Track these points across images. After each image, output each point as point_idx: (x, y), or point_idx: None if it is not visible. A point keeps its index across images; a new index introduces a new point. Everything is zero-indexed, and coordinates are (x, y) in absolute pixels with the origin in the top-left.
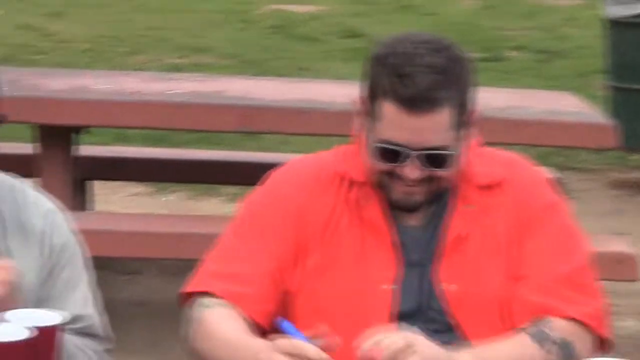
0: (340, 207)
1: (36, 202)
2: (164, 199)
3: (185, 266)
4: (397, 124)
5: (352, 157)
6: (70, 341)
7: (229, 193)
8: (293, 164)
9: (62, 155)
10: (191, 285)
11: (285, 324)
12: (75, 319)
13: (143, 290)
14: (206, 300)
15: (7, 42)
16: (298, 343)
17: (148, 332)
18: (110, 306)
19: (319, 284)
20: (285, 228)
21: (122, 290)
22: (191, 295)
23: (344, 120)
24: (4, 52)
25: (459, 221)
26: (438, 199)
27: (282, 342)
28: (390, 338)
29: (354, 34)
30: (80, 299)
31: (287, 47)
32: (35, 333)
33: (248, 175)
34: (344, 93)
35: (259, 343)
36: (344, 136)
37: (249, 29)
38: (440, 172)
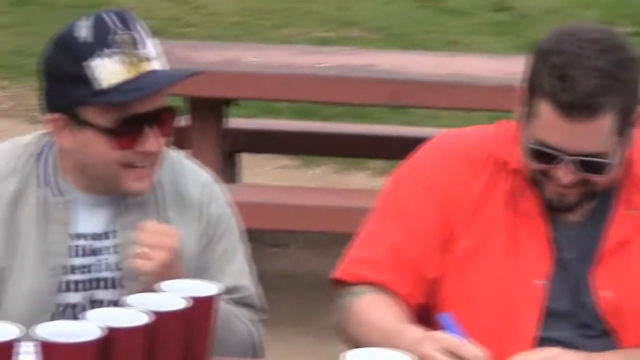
0: (493, 194)
1: (193, 173)
2: (312, 172)
3: (332, 239)
4: (553, 127)
5: (511, 143)
6: (228, 310)
7: (376, 167)
8: (443, 139)
9: (213, 128)
10: (339, 271)
11: (447, 320)
12: (232, 290)
13: (291, 262)
14: (355, 287)
15: (156, 15)
16: (458, 343)
17: (296, 304)
18: (259, 278)
19: (467, 272)
20: (431, 212)
21: (270, 262)
22: (340, 282)
23: (493, 95)
24: (153, 24)
25: (621, 225)
26: (600, 196)
27: (442, 338)
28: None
29: (503, 7)
30: (237, 270)
31: (435, 21)
32: (192, 303)
33: (395, 149)
34: (493, 67)
35: (415, 332)
36: (492, 111)
37: (396, 2)
38: (596, 178)
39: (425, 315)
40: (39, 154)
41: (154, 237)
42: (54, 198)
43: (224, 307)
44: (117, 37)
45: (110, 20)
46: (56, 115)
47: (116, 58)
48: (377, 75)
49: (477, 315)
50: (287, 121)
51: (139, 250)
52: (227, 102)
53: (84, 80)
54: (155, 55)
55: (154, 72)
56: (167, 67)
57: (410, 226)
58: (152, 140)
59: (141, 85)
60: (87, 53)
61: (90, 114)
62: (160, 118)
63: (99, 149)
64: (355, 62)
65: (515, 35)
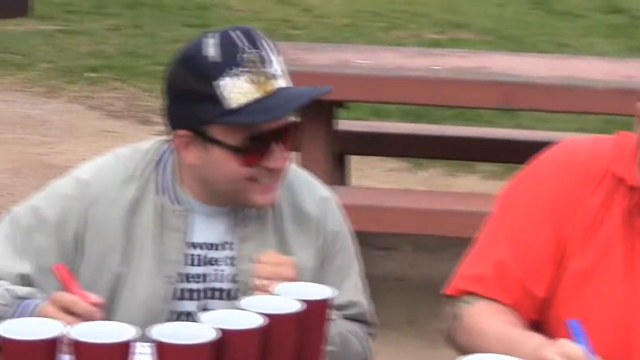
0: (609, 212)
1: (310, 187)
2: (422, 174)
3: (441, 242)
4: None
5: (630, 158)
6: (343, 326)
7: (485, 170)
8: (558, 151)
9: (323, 130)
10: (449, 288)
11: (576, 327)
12: (347, 306)
13: (399, 265)
14: (464, 297)
15: (266, 17)
16: (582, 354)
17: (405, 307)
18: (367, 281)
19: (582, 293)
20: (542, 229)
21: (378, 265)
22: (451, 296)
23: (607, 98)
24: (263, 26)
25: None
26: None
27: (567, 345)
28: None
29: (616, 9)
30: (352, 286)
31: (546, 23)
32: (306, 306)
33: (505, 152)
34: (607, 70)
35: (536, 338)
36: (605, 114)
37: (507, 4)
38: None
39: (537, 332)
40: (158, 161)
41: (271, 268)
42: (172, 206)
43: (343, 326)
44: (245, 56)
45: (238, 38)
46: (181, 132)
47: (245, 77)
48: (489, 78)
49: (593, 336)
50: (396, 123)
51: (257, 282)
52: (339, 103)
53: (214, 99)
54: (281, 73)
55: (281, 90)
56: (290, 83)
57: (519, 243)
58: (278, 156)
59: (270, 105)
60: (216, 72)
61: (218, 132)
62: (285, 134)
63: (226, 166)
64: (467, 64)
65: (628, 38)
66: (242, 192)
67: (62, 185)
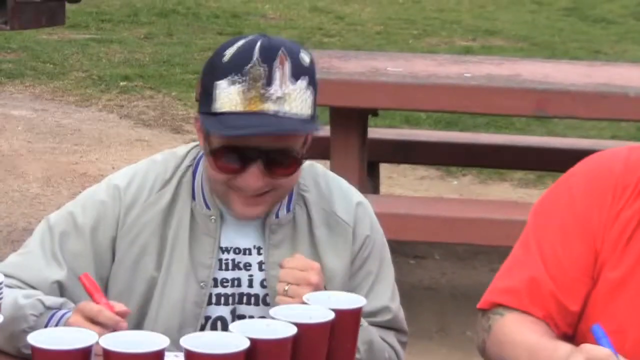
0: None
1: (343, 193)
2: (453, 182)
3: (473, 251)
4: None
5: None
6: (374, 333)
7: (518, 178)
8: (590, 163)
9: (356, 138)
10: (481, 302)
11: (599, 331)
12: (379, 312)
13: (431, 274)
14: (497, 309)
15: (300, 25)
16: (609, 355)
17: (436, 316)
18: (400, 290)
19: (616, 304)
20: (575, 243)
21: (409, 273)
22: (485, 310)
23: None
24: (297, 34)
25: None
26: None
27: (593, 349)
28: None
29: None
30: (385, 292)
31: (580, 29)
32: (336, 316)
33: (538, 160)
34: None
35: (566, 346)
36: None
37: (540, 10)
38: None
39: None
40: (192, 166)
41: (297, 273)
42: (205, 211)
43: (373, 334)
44: (251, 69)
45: (258, 50)
46: (197, 115)
47: (239, 87)
48: (522, 85)
49: (625, 347)
50: (428, 131)
51: (283, 287)
52: (372, 112)
53: (210, 96)
54: (278, 97)
55: (264, 113)
56: (293, 110)
57: (553, 259)
58: (251, 177)
59: (237, 122)
60: (220, 74)
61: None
62: (271, 158)
63: (208, 165)
64: (500, 71)
65: None
66: (226, 198)
67: (96, 191)
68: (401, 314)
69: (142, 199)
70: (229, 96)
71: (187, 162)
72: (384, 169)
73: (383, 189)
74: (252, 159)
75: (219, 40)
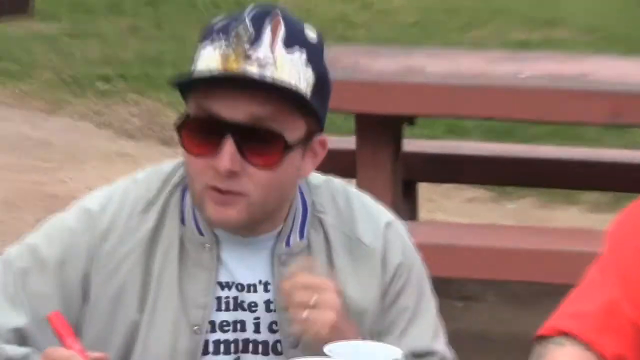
0: None
1: (369, 212)
2: (510, 205)
3: (534, 291)
4: None
5: None
6: None
7: (590, 200)
8: None
9: (387, 151)
10: (544, 328)
11: None
12: (421, 355)
13: (484, 319)
14: (559, 338)
15: (319, 15)
16: None
17: None
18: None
19: None
20: None
21: (458, 318)
22: (543, 337)
23: None
24: (316, 25)
25: None
26: None
27: None
28: None
29: None
30: (427, 331)
31: None
32: None
33: (614, 178)
34: None
35: None
36: None
37: None
38: None
39: None
40: (181, 185)
41: (310, 293)
42: (199, 238)
43: None
44: (236, 29)
45: (249, 10)
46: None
47: (218, 46)
48: (592, 87)
49: None
50: (477, 143)
51: (300, 313)
52: (407, 120)
53: (193, 61)
54: (265, 62)
55: (245, 76)
56: (287, 78)
57: (633, 282)
58: (226, 156)
59: (212, 77)
60: (206, 35)
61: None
62: (246, 136)
63: (184, 148)
64: (564, 70)
65: None
66: (201, 199)
67: (65, 218)
68: (450, 357)
69: (120, 224)
70: (207, 55)
71: (175, 179)
72: (423, 189)
73: (422, 214)
74: (222, 133)
75: None
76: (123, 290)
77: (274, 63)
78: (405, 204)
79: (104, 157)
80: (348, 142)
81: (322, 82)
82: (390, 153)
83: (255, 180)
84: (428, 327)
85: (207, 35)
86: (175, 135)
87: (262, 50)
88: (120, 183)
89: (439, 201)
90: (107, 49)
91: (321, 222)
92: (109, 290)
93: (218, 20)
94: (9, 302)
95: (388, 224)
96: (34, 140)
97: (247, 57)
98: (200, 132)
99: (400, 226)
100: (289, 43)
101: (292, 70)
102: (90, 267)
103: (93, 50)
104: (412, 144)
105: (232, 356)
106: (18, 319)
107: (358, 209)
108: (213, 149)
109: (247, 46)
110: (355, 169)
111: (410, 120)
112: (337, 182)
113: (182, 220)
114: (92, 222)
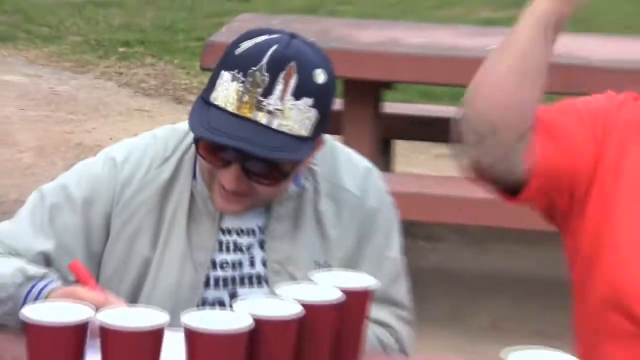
0: None
1: (349, 162)
2: None
3: (490, 234)
4: None
5: None
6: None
7: None
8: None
9: (369, 113)
10: None
11: None
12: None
13: (445, 258)
14: None
15: None
16: None
17: (449, 301)
18: (411, 273)
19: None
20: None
21: (422, 257)
22: None
23: None
24: (307, 3)
25: None
26: None
27: None
28: None
29: None
30: (385, 276)
31: (612, 3)
32: (345, 296)
33: None
34: None
35: None
36: None
37: None
38: None
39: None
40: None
41: None
42: (207, 192)
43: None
44: (255, 73)
45: (268, 55)
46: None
47: (238, 86)
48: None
49: None
50: (447, 107)
51: None
52: (387, 85)
53: (213, 83)
54: (275, 110)
55: (253, 123)
56: (291, 127)
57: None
58: (229, 176)
59: (223, 126)
60: (228, 65)
61: None
62: (250, 164)
63: (198, 152)
64: None
65: None
66: (210, 187)
67: (93, 163)
68: (398, 285)
69: (140, 175)
70: (226, 91)
71: (189, 139)
72: (399, 146)
73: (397, 167)
74: (229, 160)
75: (227, 6)
76: (138, 232)
77: (282, 113)
78: (382, 158)
79: (124, 111)
80: (335, 104)
81: (325, 115)
82: (371, 114)
83: (261, 191)
84: (387, 273)
85: (228, 62)
86: (186, 94)
87: (273, 101)
88: (142, 137)
89: (411, 156)
90: (127, 17)
91: (313, 173)
92: (126, 232)
93: (237, 46)
94: (38, 230)
95: (367, 173)
96: (63, 95)
97: (260, 108)
98: (212, 150)
99: (377, 175)
100: (298, 94)
101: (297, 116)
102: (111, 210)
103: (115, 18)
104: (390, 107)
105: (230, 289)
106: (46, 244)
107: (342, 161)
108: (221, 165)
109: (260, 98)
110: (341, 127)
111: (389, 85)
112: (326, 138)
113: (194, 175)
114: (116, 170)
